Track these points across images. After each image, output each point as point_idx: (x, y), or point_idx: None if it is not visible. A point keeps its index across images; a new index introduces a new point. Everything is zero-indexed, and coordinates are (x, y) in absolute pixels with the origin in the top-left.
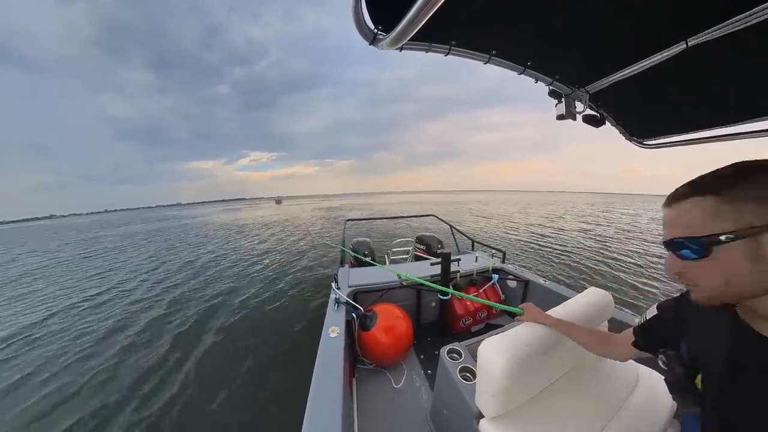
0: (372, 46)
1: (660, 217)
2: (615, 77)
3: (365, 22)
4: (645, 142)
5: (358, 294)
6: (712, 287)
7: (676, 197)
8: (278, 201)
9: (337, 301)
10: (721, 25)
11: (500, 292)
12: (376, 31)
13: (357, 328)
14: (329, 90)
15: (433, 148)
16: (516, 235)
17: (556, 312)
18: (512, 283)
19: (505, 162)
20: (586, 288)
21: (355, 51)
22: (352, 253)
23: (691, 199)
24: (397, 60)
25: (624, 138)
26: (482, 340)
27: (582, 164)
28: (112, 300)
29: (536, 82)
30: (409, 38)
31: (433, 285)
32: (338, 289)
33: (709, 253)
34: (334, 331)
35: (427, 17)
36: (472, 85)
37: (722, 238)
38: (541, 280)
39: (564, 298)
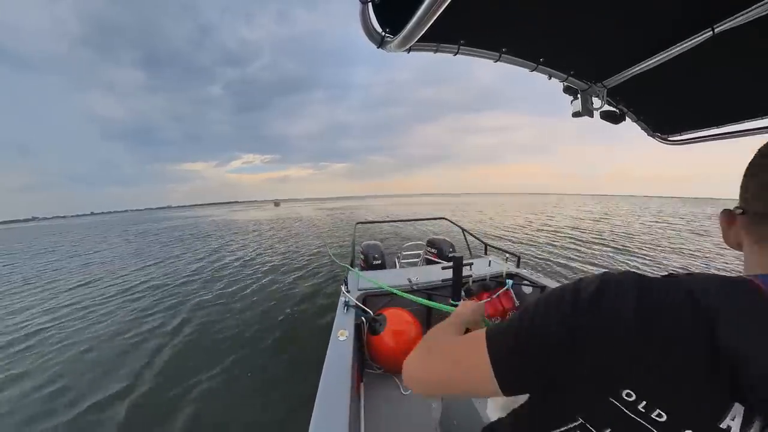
0: (380, 49)
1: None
2: (635, 70)
3: (372, 26)
4: (670, 138)
5: (367, 297)
6: None
7: None
8: (277, 204)
9: (347, 304)
10: (753, 8)
11: (514, 298)
12: (383, 34)
13: (366, 332)
14: (324, 92)
15: (428, 151)
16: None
17: None
18: (527, 289)
19: (500, 164)
20: None
21: (351, 53)
22: (361, 258)
23: None
24: (393, 62)
25: (646, 134)
26: None
27: (577, 166)
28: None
29: (550, 79)
30: (416, 39)
31: (445, 289)
32: (348, 292)
33: None
34: (342, 334)
35: (435, 17)
36: (469, 86)
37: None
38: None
39: None
